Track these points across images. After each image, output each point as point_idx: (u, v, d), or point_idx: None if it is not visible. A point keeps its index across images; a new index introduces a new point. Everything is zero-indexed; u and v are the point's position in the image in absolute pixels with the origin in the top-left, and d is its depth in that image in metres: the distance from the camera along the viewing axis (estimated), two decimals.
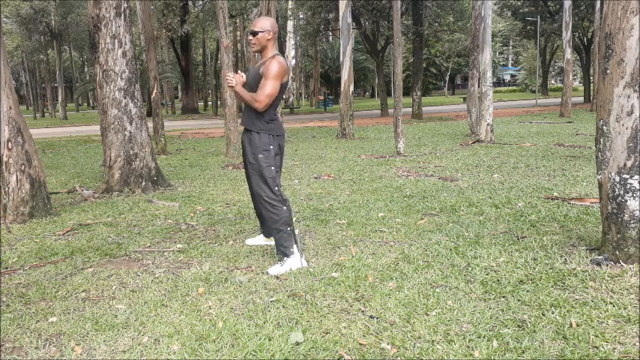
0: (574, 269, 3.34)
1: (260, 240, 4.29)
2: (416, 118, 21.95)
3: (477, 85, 13.19)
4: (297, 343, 2.56)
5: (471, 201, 5.54)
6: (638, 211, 3.24)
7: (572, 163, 7.91)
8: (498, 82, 64.49)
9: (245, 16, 26.12)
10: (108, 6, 6.62)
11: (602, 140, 3.36)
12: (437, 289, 3.15)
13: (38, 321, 2.95)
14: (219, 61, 29.04)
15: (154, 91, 11.86)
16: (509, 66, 69.55)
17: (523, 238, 4.09)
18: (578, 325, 2.62)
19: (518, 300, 2.95)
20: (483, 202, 5.47)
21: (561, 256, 3.59)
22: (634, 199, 3.24)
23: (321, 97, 39.05)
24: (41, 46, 38.60)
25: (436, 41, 38.69)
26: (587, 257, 3.52)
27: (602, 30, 3.35)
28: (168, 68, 36.97)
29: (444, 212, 5.13)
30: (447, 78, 54.73)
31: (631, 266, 3.25)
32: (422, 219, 4.91)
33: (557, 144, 10.46)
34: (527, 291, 3.06)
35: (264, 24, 3.64)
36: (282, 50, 31.57)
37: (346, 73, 13.76)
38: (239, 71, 3.82)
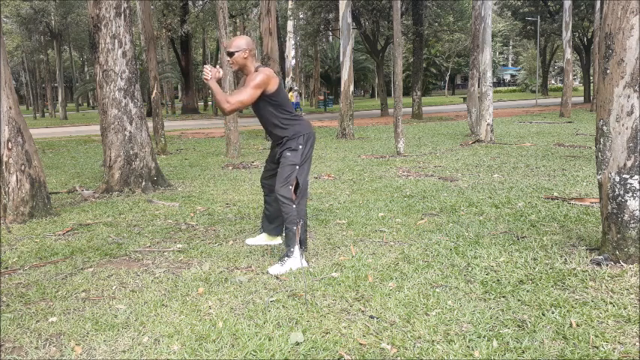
0: (574, 269, 3.34)
1: (261, 240, 4.29)
2: (416, 118, 21.95)
3: (477, 85, 13.19)
4: (297, 343, 2.56)
5: (471, 201, 5.54)
6: (638, 211, 3.24)
7: (572, 163, 7.91)
8: (498, 82, 64.49)
9: (245, 16, 26.14)
10: (108, 6, 6.62)
11: (602, 140, 3.35)
12: (437, 289, 3.15)
13: (38, 321, 2.95)
14: (219, 61, 29.05)
15: (154, 91, 11.86)
16: (509, 66, 69.55)
17: (523, 238, 4.09)
18: (578, 325, 2.62)
19: (518, 300, 2.95)
20: (483, 202, 5.47)
21: (561, 256, 3.59)
22: (634, 199, 3.24)
23: (321, 97, 39.06)
24: (41, 46, 38.61)
25: (436, 41, 38.69)
26: (587, 257, 3.52)
27: (602, 30, 3.35)
28: (168, 68, 36.97)
29: (444, 212, 5.13)
30: (447, 78, 54.74)
31: (631, 266, 3.25)
32: (422, 219, 4.91)
33: (557, 144, 10.46)
34: (527, 291, 3.06)
35: (239, 43, 3.64)
36: (282, 50, 31.55)
37: (346, 73, 13.76)
38: (217, 66, 3.81)
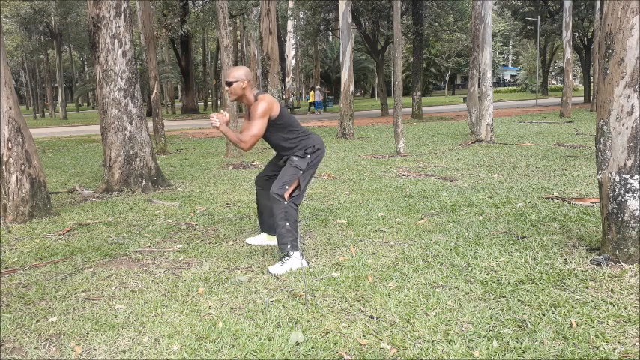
0: (574, 269, 3.34)
1: (260, 239, 4.29)
2: (416, 118, 21.95)
3: (477, 85, 13.19)
4: (297, 343, 2.56)
5: (471, 201, 5.54)
6: (638, 211, 3.24)
7: (572, 163, 7.91)
8: (498, 82, 64.50)
9: (245, 16, 26.12)
10: (108, 6, 6.62)
11: (602, 140, 3.35)
12: (437, 289, 3.15)
13: (38, 321, 2.95)
14: (219, 61, 29.05)
15: (154, 91, 11.86)
16: (509, 66, 69.54)
17: (523, 238, 4.09)
18: (578, 325, 2.62)
19: (518, 300, 2.95)
20: (483, 202, 5.47)
21: (561, 256, 3.59)
22: (634, 199, 3.24)
23: (322, 97, 39.05)
24: (41, 46, 38.60)
25: (436, 41, 38.69)
26: (587, 257, 3.52)
27: (602, 30, 3.35)
28: (168, 68, 36.97)
29: (444, 212, 5.13)
30: (447, 78, 54.74)
31: (631, 266, 3.25)
32: (422, 219, 4.91)
33: (557, 144, 10.46)
34: (527, 291, 3.06)
35: (238, 74, 3.70)
36: (282, 50, 31.57)
37: (346, 73, 13.76)
38: (222, 110, 3.86)
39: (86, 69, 57.44)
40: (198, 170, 8.98)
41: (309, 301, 3.05)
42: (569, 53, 18.72)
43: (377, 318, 2.81)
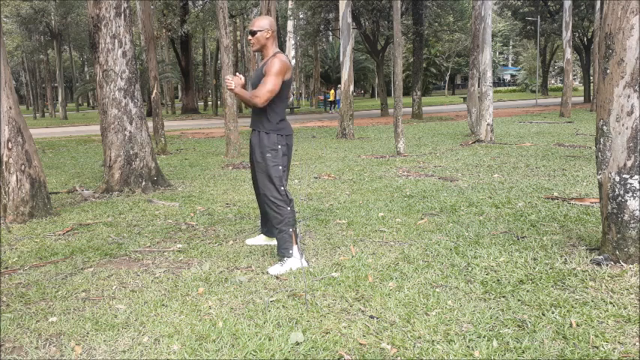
0: (574, 269, 3.34)
1: (260, 240, 4.29)
2: (416, 118, 21.95)
3: (477, 85, 13.19)
4: (297, 343, 2.56)
5: (471, 201, 5.54)
6: (638, 211, 3.24)
7: (572, 163, 7.91)
8: (498, 82, 64.50)
9: (245, 16, 26.13)
10: (108, 6, 6.62)
11: (602, 140, 3.35)
12: (437, 289, 3.15)
13: (38, 321, 2.95)
14: (219, 61, 29.04)
15: (154, 91, 11.86)
16: (509, 66, 69.55)
17: (523, 238, 4.09)
18: (578, 325, 2.62)
19: (518, 300, 2.95)
20: (483, 202, 5.47)
21: (561, 256, 3.59)
22: (634, 199, 3.24)
23: (321, 97, 39.08)
24: (41, 46, 38.61)
25: (436, 41, 38.70)
26: (587, 257, 3.52)
27: (602, 30, 3.35)
28: (168, 68, 36.99)
29: (444, 212, 5.13)
30: (447, 78, 54.77)
31: (631, 266, 3.24)
32: (422, 219, 4.91)
33: (557, 144, 10.46)
34: (527, 291, 3.06)
35: (262, 23, 3.66)
36: (282, 50, 31.59)
37: (346, 73, 13.76)
38: (237, 73, 3.82)
39: (86, 69, 57.45)
40: (198, 170, 8.98)
41: (309, 301, 3.05)
42: (569, 53, 18.72)
43: (377, 318, 2.81)
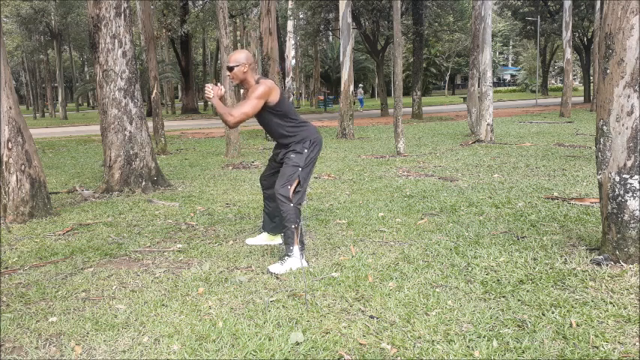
0: (574, 269, 3.34)
1: (261, 239, 4.29)
2: (416, 118, 21.95)
3: (477, 85, 13.19)
4: (297, 343, 2.56)
5: (471, 201, 5.54)
6: (638, 211, 3.24)
7: (572, 163, 7.91)
8: (498, 82, 64.50)
9: (245, 16, 26.11)
10: (108, 6, 6.62)
11: (602, 140, 3.35)
12: (437, 289, 3.15)
13: (38, 321, 2.95)
14: (219, 61, 29.05)
15: (154, 91, 11.86)
16: (509, 66, 69.55)
17: (523, 238, 4.09)
18: (578, 325, 2.62)
19: (518, 300, 2.95)
20: (483, 202, 5.47)
21: (561, 256, 3.59)
22: (634, 199, 3.23)
23: (322, 97, 39.08)
24: (41, 46, 38.60)
25: (436, 41, 38.70)
26: (587, 257, 3.52)
27: (602, 30, 3.35)
28: (168, 68, 36.98)
29: (444, 212, 5.13)
30: (447, 78, 54.77)
31: (631, 266, 3.24)
32: (422, 219, 4.91)
33: (557, 144, 10.46)
34: (527, 291, 3.06)
35: (239, 57, 3.68)
36: (282, 50, 31.55)
37: (346, 73, 13.76)
38: (219, 84, 3.85)
39: (86, 69, 57.43)
40: (198, 170, 8.98)
41: (309, 301, 3.05)
42: (569, 53, 18.72)
43: (377, 318, 2.81)
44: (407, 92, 43.45)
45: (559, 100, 24.71)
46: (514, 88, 56.94)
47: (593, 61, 24.06)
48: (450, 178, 7.13)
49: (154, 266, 3.87)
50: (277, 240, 4.23)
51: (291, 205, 3.66)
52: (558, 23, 27.22)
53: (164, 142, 12.14)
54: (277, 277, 3.50)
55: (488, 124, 11.48)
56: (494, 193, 5.88)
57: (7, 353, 2.60)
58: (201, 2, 32.25)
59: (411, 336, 2.60)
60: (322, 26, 26.55)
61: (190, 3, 32.92)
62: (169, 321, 2.87)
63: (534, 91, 39.25)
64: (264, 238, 4.28)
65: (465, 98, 29.97)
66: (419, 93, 22.64)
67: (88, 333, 2.78)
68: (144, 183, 6.94)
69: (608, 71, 3.28)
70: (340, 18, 13.82)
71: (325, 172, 8.12)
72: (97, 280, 3.60)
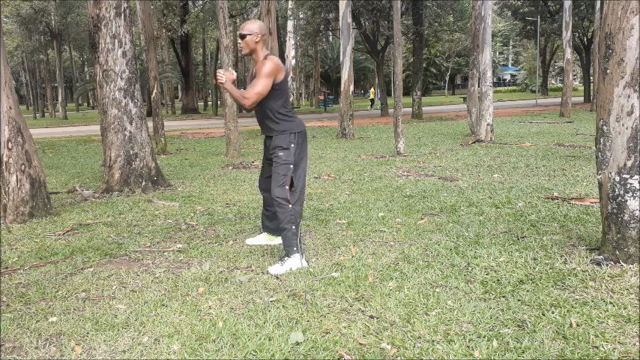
0: (574, 269, 3.34)
1: (260, 240, 4.29)
2: (416, 118, 21.96)
3: (477, 85, 13.19)
4: (297, 343, 2.56)
5: (471, 201, 5.54)
6: (638, 211, 3.24)
7: (572, 163, 7.91)
8: (498, 82, 64.51)
9: (245, 16, 26.14)
10: (108, 6, 6.62)
11: (602, 140, 3.35)
12: (437, 289, 3.15)
13: (38, 321, 2.95)
14: (219, 61, 29.05)
15: (154, 91, 11.86)
16: (509, 66, 69.56)
17: (523, 238, 4.09)
18: (578, 325, 2.62)
19: (518, 300, 2.95)
20: (483, 202, 5.47)
21: (561, 256, 3.59)
22: (634, 199, 3.24)
23: (322, 97, 39.09)
24: (41, 46, 38.60)
25: (436, 41, 38.71)
26: (587, 257, 3.52)
27: (602, 30, 3.35)
28: (168, 68, 36.99)
29: (444, 212, 5.13)
30: (447, 78, 54.78)
31: (631, 266, 3.24)
32: (422, 219, 4.91)
33: (557, 144, 10.46)
34: (527, 291, 3.06)
35: (252, 27, 3.65)
36: (282, 50, 31.58)
37: (346, 73, 13.76)
38: (230, 69, 3.82)
39: (86, 69, 57.44)
40: (198, 170, 8.98)
41: (309, 301, 3.05)
42: (569, 53, 18.72)
43: (377, 318, 2.81)
44: (407, 92, 43.47)
45: (559, 100, 24.72)
46: (514, 88, 56.96)
47: (593, 61, 24.06)
48: (450, 178, 7.13)
49: (154, 266, 3.87)
50: (277, 240, 4.22)
51: (290, 206, 3.64)
52: (558, 23, 27.23)
53: (164, 142, 12.14)
54: (277, 278, 3.50)
55: (488, 124, 11.49)
56: (494, 193, 5.88)
57: (7, 353, 2.60)
58: (201, 2, 32.25)
59: (411, 336, 2.60)
60: (322, 26, 26.55)
61: (190, 3, 32.92)
62: (169, 321, 2.87)
63: (534, 91, 39.25)
64: (264, 239, 4.27)
65: (465, 98, 29.99)
66: (419, 93, 22.65)
67: (88, 333, 2.78)
68: (144, 183, 6.94)
69: (608, 71, 3.28)
70: (340, 18, 13.82)
71: (325, 172, 8.12)
72: (97, 280, 3.60)
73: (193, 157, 11.00)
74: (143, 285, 3.46)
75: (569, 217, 4.66)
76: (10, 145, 5.43)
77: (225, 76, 3.63)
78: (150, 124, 8.48)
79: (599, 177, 3.42)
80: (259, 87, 3.57)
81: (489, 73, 11.56)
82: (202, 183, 7.59)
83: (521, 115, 20.70)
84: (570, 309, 2.80)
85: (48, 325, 2.89)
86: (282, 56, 31.19)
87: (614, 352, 2.37)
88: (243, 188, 7.00)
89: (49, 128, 26.25)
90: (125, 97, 6.82)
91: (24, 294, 3.37)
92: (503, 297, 3.01)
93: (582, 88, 38.95)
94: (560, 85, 52.49)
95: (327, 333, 2.67)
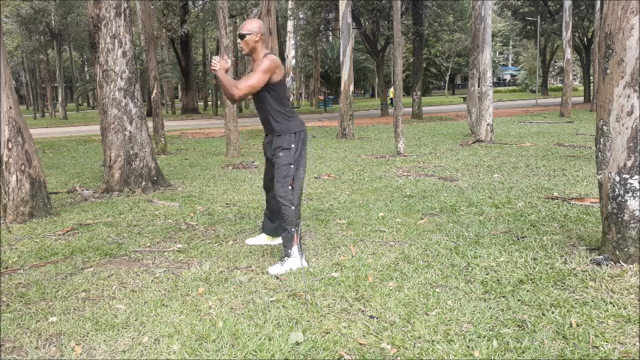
0: (574, 269, 3.34)
1: (260, 240, 4.29)
2: (416, 118, 21.96)
3: (477, 85, 13.19)
4: (297, 343, 2.56)
5: (471, 201, 5.54)
6: (638, 211, 3.24)
7: (572, 163, 7.91)
8: (498, 82, 64.52)
9: (245, 16, 26.12)
10: (108, 6, 6.62)
11: (602, 140, 3.35)
12: (437, 289, 3.15)
13: (38, 321, 2.95)
14: None
15: (154, 91, 11.86)
16: (509, 66, 69.56)
17: (523, 238, 4.09)
18: (578, 325, 2.62)
19: (518, 300, 2.95)
20: (483, 202, 5.47)
21: (561, 256, 3.59)
22: (634, 199, 3.24)
23: (322, 97, 39.09)
24: (41, 46, 38.59)
25: (436, 41, 38.71)
26: (587, 257, 3.52)
27: (602, 30, 3.35)
28: (168, 68, 36.97)
29: (444, 212, 5.13)
30: (447, 78, 54.77)
31: (631, 266, 3.25)
32: (422, 219, 4.91)
33: (557, 144, 10.46)
34: (527, 291, 3.06)
35: (252, 26, 3.65)
36: (282, 50, 31.59)
37: (346, 73, 13.76)
38: (225, 56, 3.81)
39: (86, 69, 57.44)
40: (198, 170, 8.98)
41: (309, 301, 3.05)
42: (569, 53, 18.72)
43: (377, 318, 2.81)
44: (407, 92, 43.46)
45: (559, 100, 24.71)
46: (514, 88, 56.95)
47: (593, 61, 24.06)
48: (450, 178, 7.13)
49: (154, 266, 3.87)
50: (277, 240, 4.22)
51: (293, 207, 3.65)
52: (558, 23, 27.22)
53: (164, 142, 12.14)
54: (277, 278, 3.50)
55: (488, 124, 11.48)
56: (494, 193, 5.88)
57: (7, 353, 2.60)
58: (201, 2, 32.24)
59: (411, 336, 2.60)
60: (322, 26, 26.55)
61: (190, 3, 32.92)
62: (169, 321, 2.87)
63: (534, 91, 39.25)
64: (264, 239, 4.27)
65: (464, 98, 29.98)
66: (419, 93, 22.65)
67: (88, 333, 2.78)
68: (144, 183, 6.94)
69: (608, 71, 3.28)
70: (340, 18, 13.82)
71: (325, 172, 8.12)
72: (97, 280, 3.60)
73: (193, 157, 11.00)
74: (143, 285, 3.47)
75: (569, 217, 4.66)
76: (10, 145, 5.43)
77: (220, 64, 3.60)
78: (150, 124, 8.48)
79: (599, 177, 3.42)
80: (253, 80, 3.56)
81: (489, 73, 11.56)
82: (202, 183, 7.59)
83: (521, 115, 20.70)
84: (570, 309, 2.80)
85: (48, 325, 2.89)
86: (282, 56, 31.20)
87: (614, 352, 2.37)
88: (243, 188, 7.00)
89: (49, 128, 26.25)
90: (125, 97, 6.82)
91: (24, 294, 3.37)
92: (503, 297, 3.01)
93: (582, 88, 38.95)
94: (560, 85, 52.49)
95: (327, 333, 2.67)
